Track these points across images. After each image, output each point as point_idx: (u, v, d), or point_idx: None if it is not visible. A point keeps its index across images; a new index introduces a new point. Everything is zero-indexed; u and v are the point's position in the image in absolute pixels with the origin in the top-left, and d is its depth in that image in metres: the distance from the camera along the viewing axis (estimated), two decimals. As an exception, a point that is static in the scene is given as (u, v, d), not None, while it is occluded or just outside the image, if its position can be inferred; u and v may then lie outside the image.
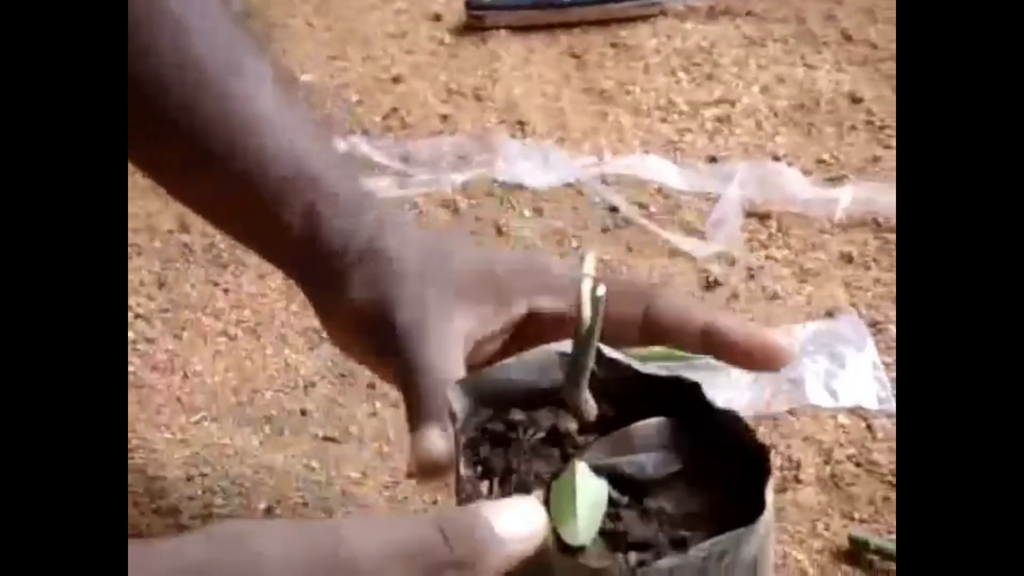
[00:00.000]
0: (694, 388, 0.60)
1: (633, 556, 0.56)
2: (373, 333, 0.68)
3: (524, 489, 0.57)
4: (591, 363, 0.59)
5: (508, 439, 0.59)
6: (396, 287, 0.67)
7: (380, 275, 0.68)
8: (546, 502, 0.56)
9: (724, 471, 0.60)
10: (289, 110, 0.72)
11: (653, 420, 0.60)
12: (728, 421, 0.59)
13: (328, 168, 0.71)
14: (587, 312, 0.57)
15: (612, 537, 0.57)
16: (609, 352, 0.61)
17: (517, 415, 0.60)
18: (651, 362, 0.63)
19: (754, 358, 0.65)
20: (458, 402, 0.59)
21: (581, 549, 0.55)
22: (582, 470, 0.57)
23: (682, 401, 0.61)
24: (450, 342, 0.66)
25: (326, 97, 1.21)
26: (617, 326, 0.63)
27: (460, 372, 0.65)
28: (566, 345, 0.60)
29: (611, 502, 0.57)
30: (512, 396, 0.61)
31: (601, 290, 0.56)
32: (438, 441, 0.63)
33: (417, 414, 0.65)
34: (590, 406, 0.60)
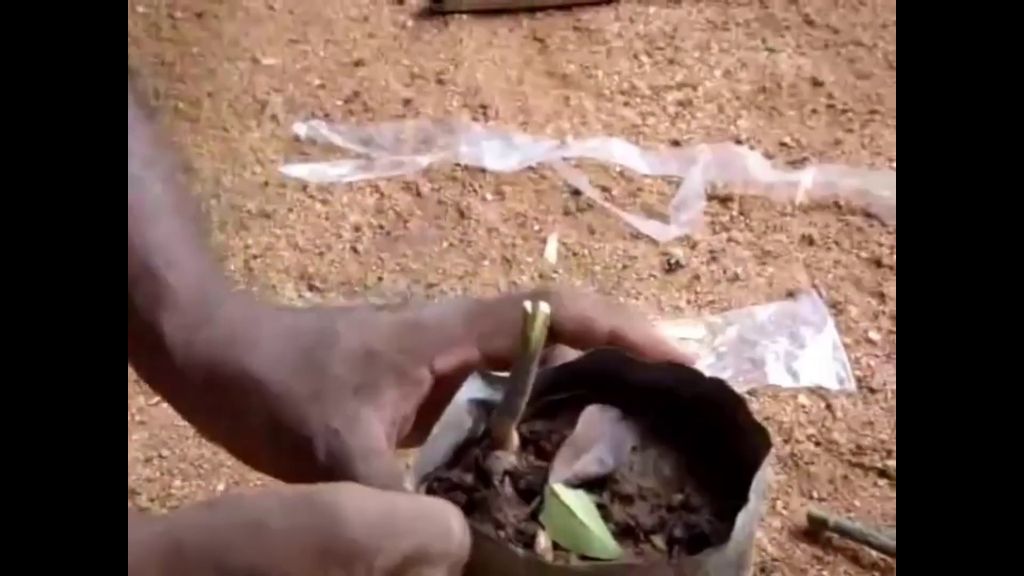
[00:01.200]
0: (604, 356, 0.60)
1: (660, 540, 0.56)
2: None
3: (526, 536, 0.56)
4: (529, 387, 0.57)
5: (475, 501, 0.58)
6: (287, 415, 0.62)
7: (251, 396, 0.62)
8: (554, 543, 0.56)
9: (673, 423, 0.60)
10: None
11: (584, 414, 0.59)
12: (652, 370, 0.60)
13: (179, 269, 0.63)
14: (536, 333, 0.55)
15: (624, 534, 0.57)
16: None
17: (467, 478, 0.59)
18: None
19: None
20: (417, 486, 0.58)
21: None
22: (562, 492, 0.56)
23: (596, 376, 0.61)
24: (373, 449, 0.61)
25: (288, 81, 1.20)
26: (516, 341, 0.60)
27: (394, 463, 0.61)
28: (472, 388, 0.60)
29: (597, 505, 0.57)
30: (448, 462, 0.60)
31: (545, 308, 0.55)
32: None
33: None
34: (513, 439, 0.59)
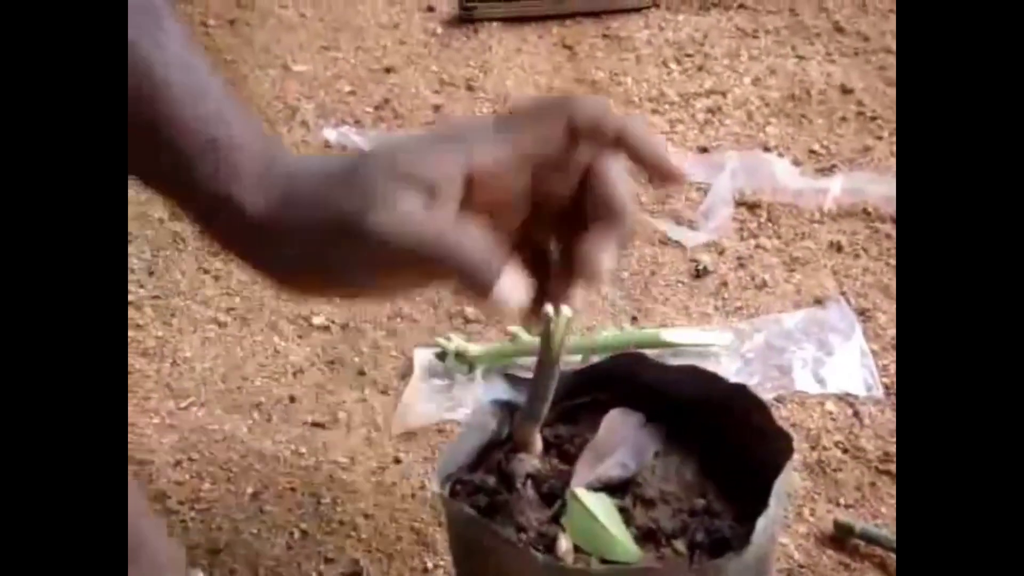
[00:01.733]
0: (629, 363, 0.61)
1: (681, 545, 0.56)
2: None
3: (547, 539, 0.57)
4: (552, 391, 0.58)
5: (497, 504, 0.59)
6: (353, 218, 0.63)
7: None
8: (575, 546, 0.56)
9: (695, 427, 0.60)
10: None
11: (607, 419, 0.60)
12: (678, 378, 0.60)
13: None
14: (558, 338, 0.56)
15: (645, 538, 0.57)
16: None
17: (490, 480, 0.59)
18: (644, 349, 0.63)
19: (651, 170, 0.66)
20: (441, 488, 0.59)
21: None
22: (584, 495, 0.57)
23: (619, 380, 0.61)
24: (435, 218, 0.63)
25: (318, 88, 1.21)
26: (544, 139, 0.63)
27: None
28: (495, 389, 0.60)
29: (619, 509, 0.58)
30: (471, 464, 0.61)
31: (567, 312, 0.55)
32: (509, 288, 0.59)
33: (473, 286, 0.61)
34: (536, 442, 0.60)
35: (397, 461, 0.85)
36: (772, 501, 0.53)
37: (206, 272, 1.01)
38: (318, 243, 0.61)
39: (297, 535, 0.80)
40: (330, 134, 1.14)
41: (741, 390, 0.59)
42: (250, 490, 0.83)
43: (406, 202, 0.61)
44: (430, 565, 0.78)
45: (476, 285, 0.60)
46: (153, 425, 0.88)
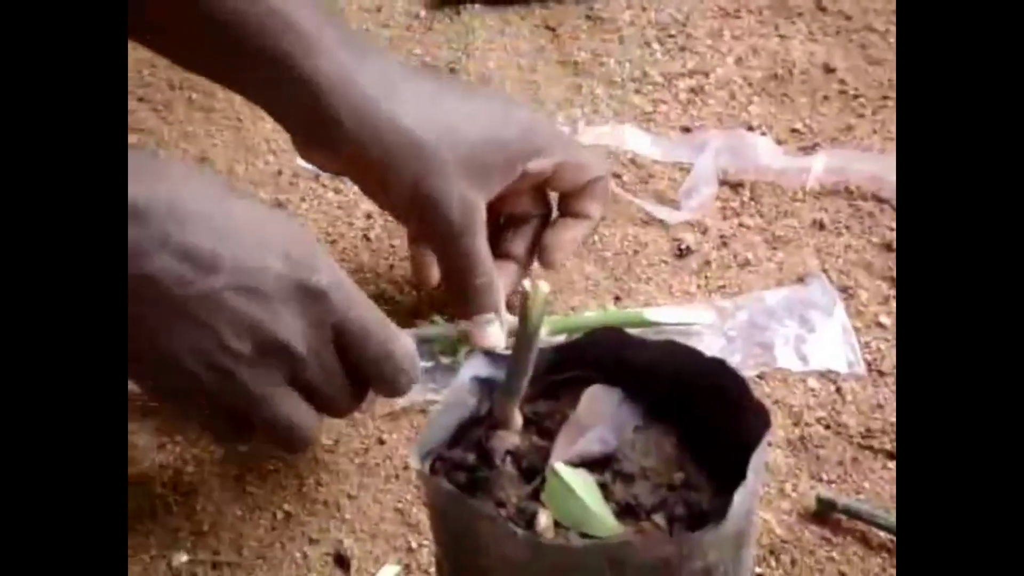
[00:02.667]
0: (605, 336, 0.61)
1: (660, 519, 0.57)
2: (416, 215, 0.80)
3: (527, 515, 0.57)
4: (530, 367, 0.58)
5: (477, 480, 0.59)
6: (435, 176, 0.78)
7: (404, 148, 0.77)
8: (555, 522, 0.56)
9: (674, 402, 0.60)
10: None
11: (586, 395, 0.60)
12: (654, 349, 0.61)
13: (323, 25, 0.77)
14: (536, 312, 0.56)
15: (625, 512, 0.57)
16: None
17: (470, 457, 0.60)
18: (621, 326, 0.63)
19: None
20: (421, 464, 0.59)
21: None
22: (563, 471, 0.57)
23: (598, 356, 0.61)
24: (484, 231, 0.81)
25: (301, 71, 1.21)
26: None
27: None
28: (474, 366, 0.60)
29: (599, 484, 0.58)
30: (451, 441, 0.61)
31: (544, 288, 0.57)
32: (496, 331, 0.82)
33: (474, 305, 0.82)
34: (516, 419, 0.60)
35: (381, 442, 0.85)
36: (750, 474, 0.53)
37: (189, 256, 1.01)
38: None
39: (281, 516, 0.81)
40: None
41: (719, 365, 0.59)
42: (234, 472, 0.83)
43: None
44: (414, 545, 0.78)
45: (467, 310, 0.82)
46: (136, 408, 0.88)
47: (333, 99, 0.75)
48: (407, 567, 0.77)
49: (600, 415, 0.60)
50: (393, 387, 0.71)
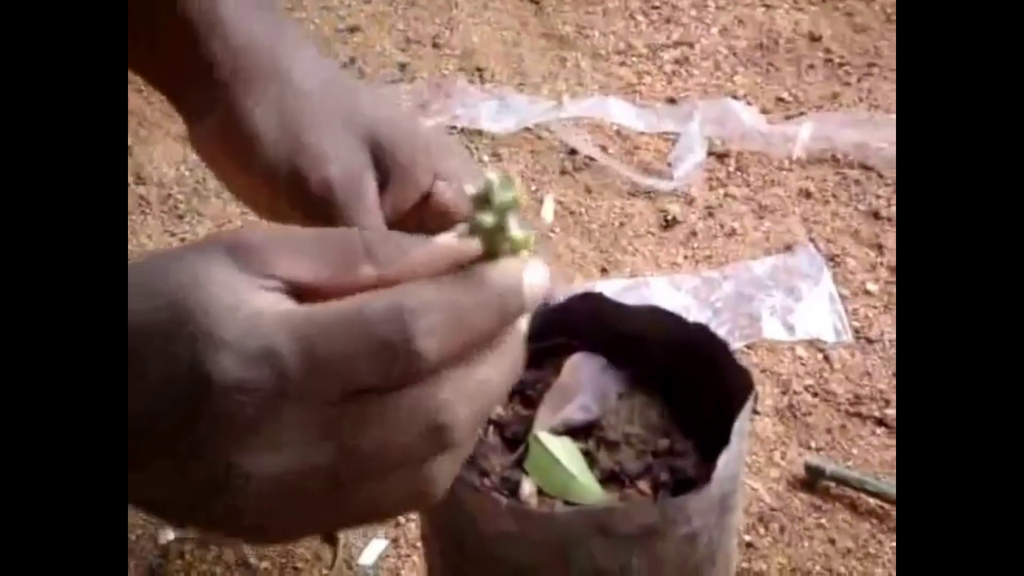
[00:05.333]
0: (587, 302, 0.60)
1: (645, 485, 0.56)
2: (289, 182, 0.63)
3: (511, 483, 0.57)
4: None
5: None
6: (314, 130, 0.63)
7: (289, 109, 0.63)
8: (539, 491, 0.56)
9: (658, 369, 0.60)
10: None
11: (569, 363, 0.60)
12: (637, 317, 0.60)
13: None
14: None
15: (609, 480, 0.57)
16: None
17: None
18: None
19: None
20: None
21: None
22: (547, 440, 0.57)
23: (581, 323, 0.61)
24: (376, 211, 0.64)
25: (283, 48, 1.20)
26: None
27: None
28: None
29: (583, 452, 0.58)
30: None
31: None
32: None
33: None
34: None
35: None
36: (734, 438, 0.53)
37: (172, 235, 1.00)
38: None
39: (268, 493, 0.80)
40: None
41: (702, 330, 0.59)
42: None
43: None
44: (402, 519, 0.78)
45: None
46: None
47: (212, 43, 0.63)
48: (395, 541, 0.77)
49: (583, 383, 0.59)
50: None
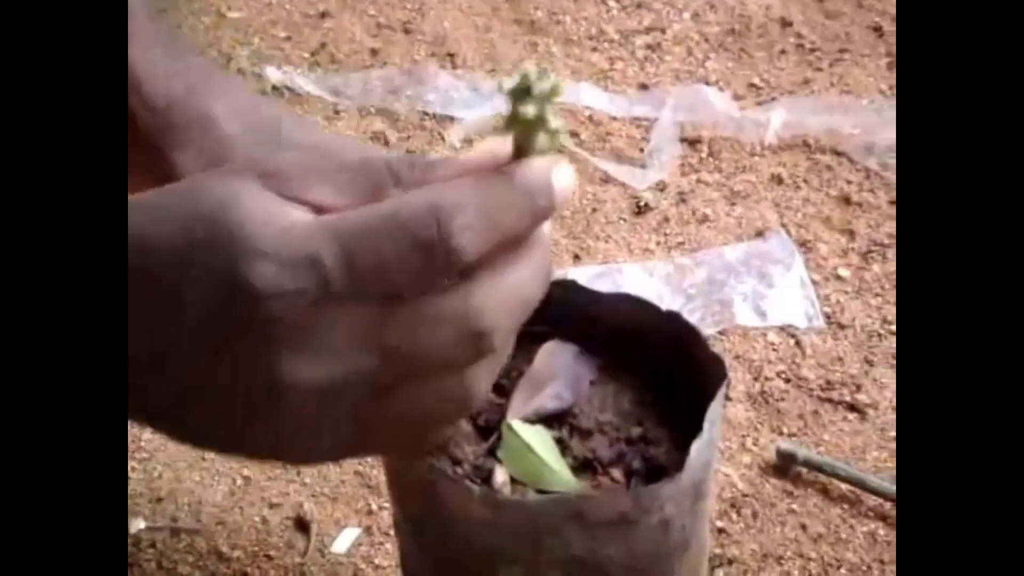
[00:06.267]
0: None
1: (618, 473, 0.56)
2: None
3: (484, 472, 0.56)
4: None
5: None
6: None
7: (215, 156, 0.62)
8: (512, 479, 0.56)
9: (631, 356, 0.60)
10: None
11: (542, 351, 0.60)
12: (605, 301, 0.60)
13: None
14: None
15: (582, 468, 0.57)
16: None
17: None
18: None
19: None
20: None
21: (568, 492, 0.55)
22: (519, 428, 0.57)
23: (553, 309, 0.61)
24: None
25: (253, 34, 1.19)
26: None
27: None
28: None
29: (556, 440, 0.58)
30: None
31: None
32: None
33: None
34: None
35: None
36: (706, 426, 0.53)
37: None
38: None
39: (240, 481, 0.80)
40: (273, 74, 1.13)
41: (674, 317, 0.59)
42: (191, 438, 0.83)
43: None
44: (375, 507, 0.78)
45: None
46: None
47: (131, 100, 0.62)
48: (367, 529, 0.77)
49: (556, 370, 0.59)
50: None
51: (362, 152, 0.60)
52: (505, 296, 0.43)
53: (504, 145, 0.43)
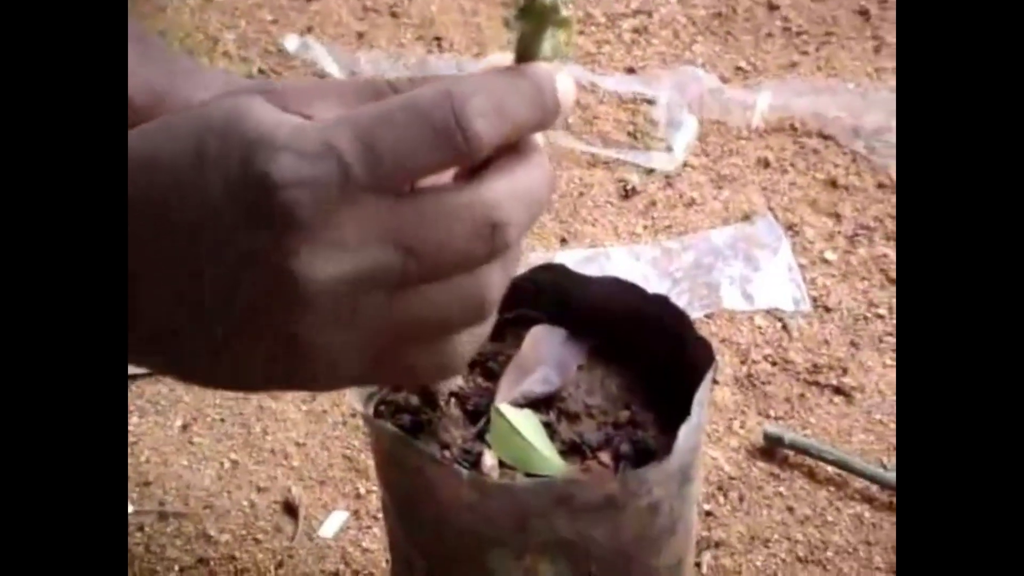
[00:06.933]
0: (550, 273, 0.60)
1: (606, 457, 0.56)
2: None
3: (473, 456, 0.57)
4: None
5: (421, 423, 0.58)
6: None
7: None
8: (500, 462, 0.56)
9: (618, 340, 0.60)
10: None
11: (530, 335, 0.60)
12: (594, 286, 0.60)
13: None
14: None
15: (571, 451, 0.57)
16: None
17: (413, 399, 0.59)
18: None
19: None
20: (364, 407, 0.58)
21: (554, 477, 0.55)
22: (508, 412, 0.57)
23: (542, 293, 0.61)
24: None
25: (239, 17, 1.19)
26: None
27: None
28: None
29: (544, 424, 0.58)
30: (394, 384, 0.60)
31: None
32: None
33: None
34: None
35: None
36: (694, 409, 0.53)
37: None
38: None
39: (228, 465, 0.80)
40: (291, 44, 1.13)
41: (662, 301, 0.59)
42: (179, 422, 0.83)
43: None
44: (363, 491, 0.78)
45: None
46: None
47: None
48: (355, 513, 0.77)
49: (544, 355, 0.59)
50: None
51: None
52: (518, 191, 0.43)
53: (505, 59, 0.44)
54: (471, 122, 0.41)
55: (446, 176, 0.44)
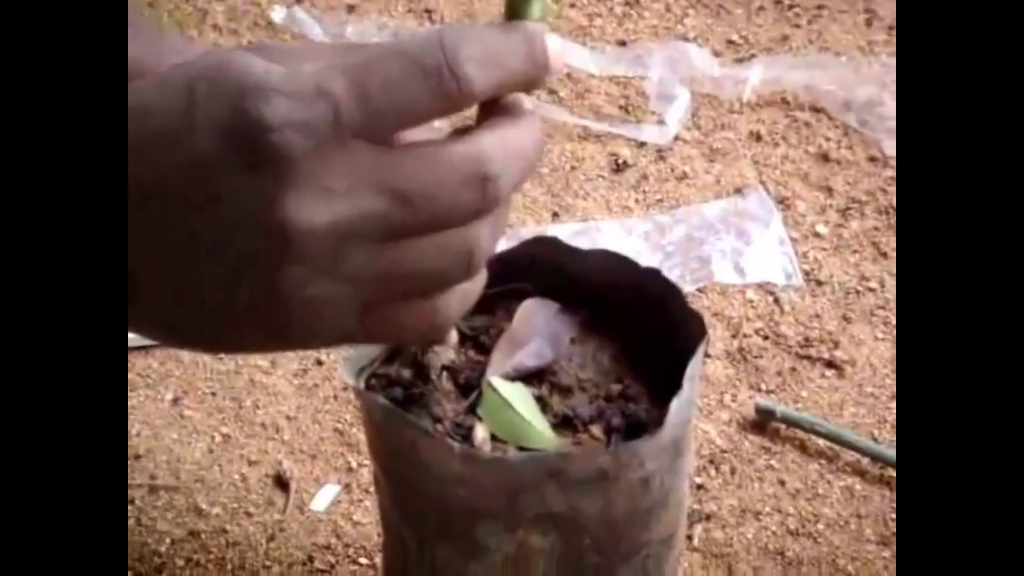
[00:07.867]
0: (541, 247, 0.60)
1: (598, 430, 0.56)
2: None
3: (464, 429, 0.56)
4: None
5: (413, 396, 0.58)
6: None
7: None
8: (492, 436, 0.56)
9: (611, 313, 0.60)
10: None
11: (522, 308, 0.60)
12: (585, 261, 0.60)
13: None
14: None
15: (562, 425, 0.57)
16: None
17: (405, 373, 0.59)
18: None
19: None
20: (355, 380, 0.57)
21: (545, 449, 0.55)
22: (500, 385, 0.57)
23: (534, 267, 0.61)
24: None
25: (229, -11, 1.18)
26: None
27: None
28: None
29: (536, 397, 0.57)
30: (386, 358, 0.59)
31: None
32: None
33: None
34: (452, 334, 0.59)
35: (319, 363, 0.84)
36: (686, 383, 0.53)
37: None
38: None
39: (219, 439, 0.80)
40: (278, 14, 1.12)
41: (653, 274, 0.59)
42: (169, 396, 0.82)
43: None
44: (354, 464, 0.78)
45: None
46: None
47: None
48: (347, 487, 0.77)
49: (536, 328, 0.59)
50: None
51: None
52: (510, 148, 0.43)
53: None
54: (462, 66, 0.41)
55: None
